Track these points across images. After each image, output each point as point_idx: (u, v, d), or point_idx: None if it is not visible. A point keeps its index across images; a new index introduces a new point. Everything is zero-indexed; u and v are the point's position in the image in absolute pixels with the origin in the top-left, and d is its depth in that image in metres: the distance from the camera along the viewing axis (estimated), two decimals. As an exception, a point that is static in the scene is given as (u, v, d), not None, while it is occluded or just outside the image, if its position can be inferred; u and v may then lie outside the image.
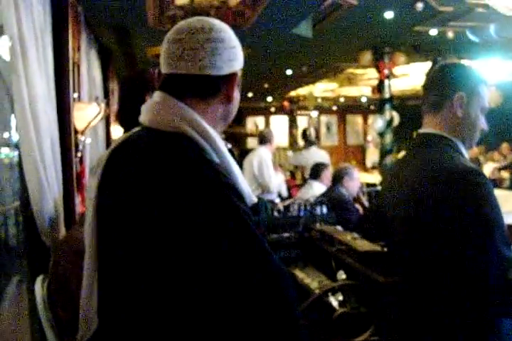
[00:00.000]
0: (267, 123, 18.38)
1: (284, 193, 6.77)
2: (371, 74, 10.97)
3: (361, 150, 17.85)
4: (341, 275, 2.08)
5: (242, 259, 1.30)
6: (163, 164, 1.37)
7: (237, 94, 1.55)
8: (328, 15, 6.46)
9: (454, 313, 1.78)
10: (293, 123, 16.46)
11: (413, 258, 1.85)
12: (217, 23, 1.50)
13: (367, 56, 8.81)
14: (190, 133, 1.41)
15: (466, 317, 1.77)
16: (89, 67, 5.29)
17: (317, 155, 9.19)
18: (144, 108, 1.52)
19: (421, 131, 2.00)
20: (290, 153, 10.18)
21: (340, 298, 1.96)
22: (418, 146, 2.00)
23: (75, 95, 4.17)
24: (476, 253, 1.65)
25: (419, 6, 6.16)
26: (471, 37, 7.81)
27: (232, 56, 1.49)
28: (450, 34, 7.62)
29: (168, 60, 1.47)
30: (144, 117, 1.50)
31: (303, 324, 1.42)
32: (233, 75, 1.51)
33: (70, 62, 3.76)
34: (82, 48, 4.75)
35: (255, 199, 1.54)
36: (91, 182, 1.55)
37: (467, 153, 1.96)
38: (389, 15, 6.55)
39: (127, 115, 2.22)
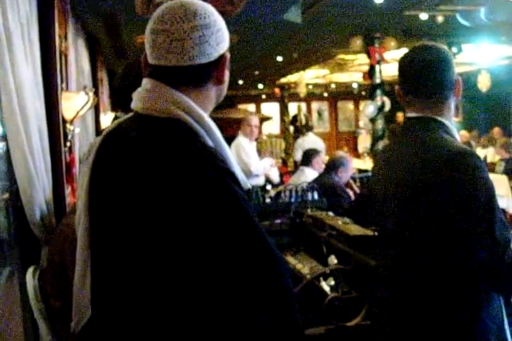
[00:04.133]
0: (258, 111, 18.36)
1: (276, 180, 6.79)
2: (362, 60, 10.94)
3: (353, 137, 17.86)
4: (332, 260, 2.08)
5: (240, 245, 1.30)
6: (159, 150, 1.35)
7: (227, 75, 1.53)
8: (318, 0, 6.41)
9: (446, 295, 1.78)
10: (284, 110, 16.43)
11: (409, 241, 1.85)
12: (200, 6, 1.46)
13: (357, 41, 8.77)
14: (185, 119, 1.40)
15: (458, 299, 1.78)
16: (77, 57, 5.25)
17: (311, 141, 9.23)
18: (135, 95, 1.50)
19: (411, 115, 1.99)
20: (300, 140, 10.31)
21: (332, 282, 1.96)
22: (410, 130, 1.98)
23: (63, 85, 4.13)
24: (476, 235, 1.65)
25: (410, -10, 6.13)
26: (461, 21, 7.78)
27: (219, 39, 1.47)
28: (440, 18, 7.58)
29: (155, 51, 1.45)
30: (137, 104, 1.48)
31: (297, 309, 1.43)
32: (222, 57, 1.49)
33: (57, 51, 3.72)
34: (69, 37, 4.70)
35: (249, 185, 1.53)
36: (82, 170, 1.54)
37: (457, 133, 1.95)
38: (379, 0, 6.51)
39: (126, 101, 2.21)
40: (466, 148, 1.79)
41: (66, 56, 4.51)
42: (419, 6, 6.98)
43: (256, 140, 11.21)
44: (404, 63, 2.00)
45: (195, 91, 1.47)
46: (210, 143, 1.41)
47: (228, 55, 1.53)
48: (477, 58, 11.48)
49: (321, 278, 1.98)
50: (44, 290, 2.55)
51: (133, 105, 1.49)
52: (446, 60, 1.93)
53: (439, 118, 1.92)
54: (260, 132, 17.28)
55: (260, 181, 6.35)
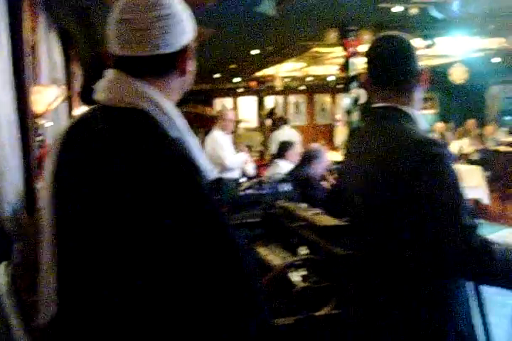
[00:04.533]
0: (235, 105, 18.33)
1: (251, 172, 6.80)
2: (337, 53, 10.96)
3: (330, 129, 17.91)
4: (303, 250, 2.09)
5: (201, 232, 1.30)
6: (120, 140, 1.35)
7: (192, 65, 1.53)
8: (292, -7, 6.42)
9: (414, 283, 1.80)
10: (261, 104, 16.43)
11: (377, 230, 1.87)
12: None
13: (332, 34, 8.79)
14: (148, 109, 1.40)
15: (426, 286, 1.80)
16: (49, 50, 5.19)
17: (287, 134, 9.27)
18: (98, 86, 1.49)
19: (376, 105, 2.00)
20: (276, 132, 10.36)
21: (304, 273, 1.97)
22: (376, 120, 1.99)
23: (34, 78, 4.08)
24: (443, 222, 1.66)
25: (382, -18, 6.15)
26: (435, 13, 7.83)
27: (183, 29, 1.47)
28: (413, 11, 7.63)
29: (118, 41, 1.44)
30: (99, 95, 1.47)
31: (264, 300, 1.43)
32: (186, 47, 1.49)
33: (27, 44, 3.67)
34: (39, 30, 4.64)
35: (215, 175, 1.53)
36: (47, 163, 1.53)
37: (424, 123, 1.97)
38: (352, -8, 6.54)
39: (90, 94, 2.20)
40: (430, 137, 1.80)
41: (37, 49, 4.46)
42: (392, -2, 7.03)
43: (233, 133, 11.23)
44: (369, 53, 2.01)
45: (158, 82, 1.46)
46: (174, 133, 1.40)
47: (193, 46, 1.52)
48: (452, 50, 11.55)
49: (292, 269, 1.98)
50: (16, 285, 2.53)
51: (96, 96, 1.48)
52: (409, 50, 1.94)
53: (404, 108, 1.93)
54: (237, 125, 17.35)
55: (235, 174, 6.36)
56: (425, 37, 8.88)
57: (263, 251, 2.40)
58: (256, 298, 1.36)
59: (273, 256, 2.28)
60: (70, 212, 1.42)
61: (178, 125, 1.43)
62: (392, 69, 1.94)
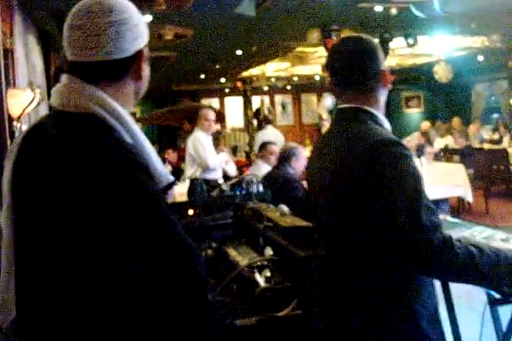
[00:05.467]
0: (222, 105, 18.31)
1: (233, 173, 6.80)
2: (322, 53, 10.98)
3: (316, 129, 17.93)
4: (268, 251, 2.10)
5: (151, 235, 1.31)
6: (72, 145, 1.36)
7: (146, 70, 1.55)
8: (271, -7, 6.43)
9: (376, 283, 1.82)
10: (247, 104, 16.42)
11: (339, 230, 1.89)
12: (116, 1, 1.47)
13: (315, 34, 8.81)
14: (100, 114, 1.41)
15: (388, 286, 1.81)
16: (27, 53, 5.18)
17: (271, 134, 9.27)
18: (53, 91, 1.51)
19: (341, 105, 2.02)
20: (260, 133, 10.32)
21: (268, 274, 1.98)
22: (341, 121, 2.02)
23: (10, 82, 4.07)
24: (402, 221, 1.67)
25: (361, -18, 6.17)
26: (416, 12, 7.86)
27: (136, 34, 1.48)
28: (394, 10, 7.66)
29: (71, 47, 1.46)
30: (54, 100, 1.49)
31: (214, 302, 1.45)
32: (140, 53, 1.50)
33: (1, 47, 3.67)
34: (16, 33, 4.63)
35: (171, 178, 1.54)
36: (5, 168, 1.54)
37: (387, 123, 1.98)
38: (332, -8, 6.55)
39: None
40: (391, 138, 1.82)
41: (12, 52, 4.44)
42: (373, -2, 7.05)
43: (219, 134, 11.22)
44: (330, 55, 2.03)
45: (112, 87, 1.48)
46: (127, 138, 1.42)
47: (147, 51, 1.54)
48: (435, 49, 11.61)
49: (256, 270, 1.99)
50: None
51: (51, 101, 1.50)
52: (370, 51, 1.95)
53: (368, 109, 1.95)
54: (224, 126, 17.34)
55: (218, 175, 6.36)
56: (407, 36, 8.92)
57: (232, 252, 2.42)
58: (205, 298, 1.38)
59: (241, 257, 2.30)
60: (27, 217, 1.43)
61: (132, 130, 1.44)
62: (351, 70, 1.95)
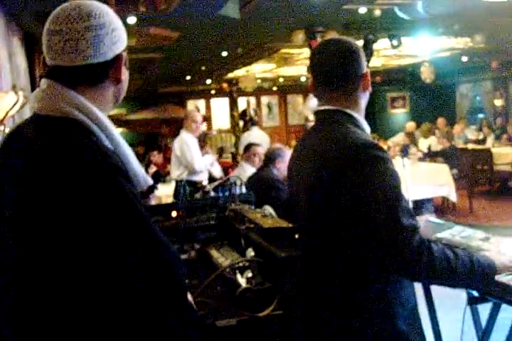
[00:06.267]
0: (208, 106, 18.33)
1: (217, 175, 6.81)
2: (307, 54, 11.01)
3: (303, 130, 17.98)
4: (250, 252, 2.12)
5: (129, 238, 1.33)
6: (50, 149, 1.38)
7: (125, 74, 1.56)
8: (255, -5, 6.45)
9: (355, 284, 1.83)
10: (233, 105, 16.44)
11: (317, 231, 1.90)
12: (95, 6, 1.49)
13: (299, 36, 8.84)
14: (79, 118, 1.42)
15: (366, 287, 1.83)
16: (11, 55, 5.17)
17: (256, 136, 9.28)
18: (32, 95, 1.52)
19: (321, 107, 2.02)
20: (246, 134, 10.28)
21: (250, 275, 2.00)
22: (320, 123, 2.03)
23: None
24: (381, 223, 1.68)
25: (345, -16, 6.20)
26: (400, 14, 7.91)
27: (115, 39, 1.50)
28: (378, 12, 7.71)
29: (50, 52, 1.47)
30: (33, 104, 1.50)
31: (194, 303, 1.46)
32: (119, 57, 1.52)
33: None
34: (-2, 35, 4.62)
35: (150, 182, 1.56)
36: None
37: (367, 125, 1.99)
38: (316, -6, 6.56)
39: None
40: (369, 140, 1.83)
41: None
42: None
43: (206, 135, 11.21)
44: (312, 57, 2.04)
45: (91, 91, 1.49)
46: (106, 142, 1.43)
47: (125, 55, 1.56)
48: (419, 50, 11.67)
49: (237, 271, 2.01)
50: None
51: (31, 105, 1.51)
52: (350, 54, 1.95)
53: (348, 111, 1.95)
54: (210, 127, 17.34)
55: (203, 176, 6.36)
56: (391, 37, 8.95)
57: (215, 254, 2.44)
58: (184, 298, 1.40)
59: (223, 259, 2.32)
60: (5, 221, 1.44)
61: (111, 134, 1.46)
62: (331, 73, 1.96)
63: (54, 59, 1.47)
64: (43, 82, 1.50)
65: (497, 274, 1.81)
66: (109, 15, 1.51)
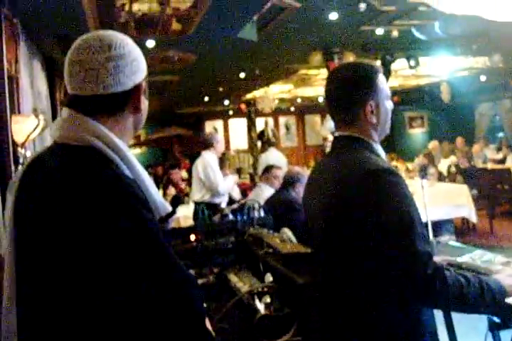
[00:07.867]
0: (226, 127, 18.41)
1: (237, 196, 6.79)
2: (324, 75, 11.04)
3: (321, 150, 17.97)
4: (268, 278, 2.11)
5: (149, 267, 1.34)
6: (71, 177, 1.39)
7: (144, 103, 1.58)
8: (273, 18, 6.50)
9: (374, 310, 1.82)
10: (251, 126, 16.49)
11: (334, 258, 1.89)
12: (115, 37, 1.51)
13: (317, 57, 8.89)
14: (99, 146, 1.44)
15: (386, 315, 1.81)
16: (32, 79, 5.24)
17: (273, 157, 9.29)
18: (53, 124, 1.54)
19: (337, 133, 2.02)
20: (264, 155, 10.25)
21: (268, 300, 1.99)
22: (337, 149, 2.02)
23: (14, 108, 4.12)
24: (397, 250, 1.68)
25: (362, 6, 6.22)
26: (417, 35, 7.93)
27: (135, 69, 1.52)
28: (395, 33, 7.73)
29: (71, 81, 1.50)
30: (54, 133, 1.52)
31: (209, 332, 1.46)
32: (138, 87, 1.54)
33: (5, 75, 3.72)
34: (20, 60, 4.68)
35: (169, 209, 1.57)
36: (8, 200, 1.56)
37: (383, 151, 1.98)
38: (333, 16, 6.59)
39: None
40: (383, 166, 1.80)
41: (17, 79, 4.50)
42: (374, 21, 7.10)
43: (223, 155, 11.26)
44: (326, 81, 2.04)
45: (111, 120, 1.51)
46: (126, 170, 1.45)
47: (145, 84, 1.58)
48: (438, 70, 11.68)
49: (256, 296, 2.01)
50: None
51: (51, 134, 1.53)
52: (361, 79, 1.93)
53: (363, 137, 1.95)
54: (228, 148, 17.39)
55: (225, 199, 6.31)
56: (409, 57, 8.98)
57: (234, 278, 2.43)
58: (204, 328, 1.39)
59: (242, 284, 2.31)
60: (29, 247, 1.45)
61: (130, 162, 1.47)
62: (338, 98, 1.96)
63: (75, 88, 1.50)
64: (64, 111, 1.53)
65: (508, 296, 1.78)
66: (129, 45, 1.53)
